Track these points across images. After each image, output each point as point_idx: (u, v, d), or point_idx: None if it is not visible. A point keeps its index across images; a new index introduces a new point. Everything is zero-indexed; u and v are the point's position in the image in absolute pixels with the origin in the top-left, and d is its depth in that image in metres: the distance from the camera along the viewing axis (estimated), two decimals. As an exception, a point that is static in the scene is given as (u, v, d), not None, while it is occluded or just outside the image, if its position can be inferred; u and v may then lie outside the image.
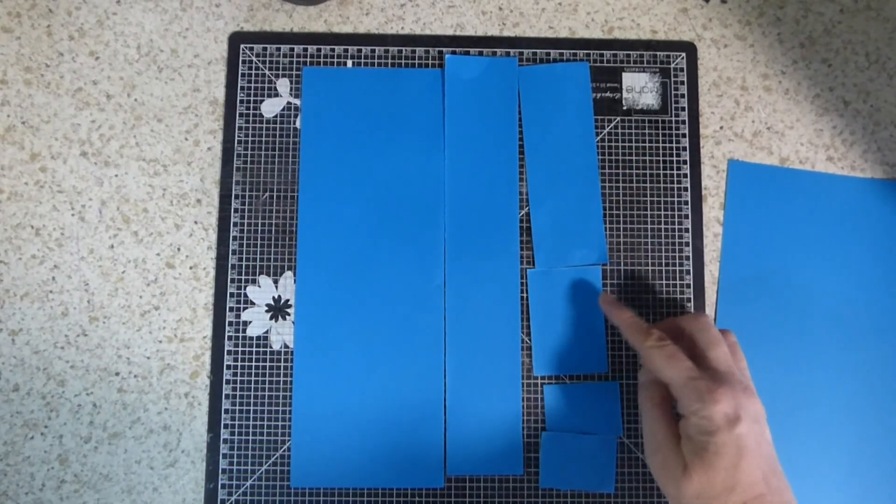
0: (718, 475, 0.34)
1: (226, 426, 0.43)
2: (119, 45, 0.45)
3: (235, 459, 0.42)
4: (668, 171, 0.45)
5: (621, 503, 0.43)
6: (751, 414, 0.35)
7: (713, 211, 0.45)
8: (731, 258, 0.45)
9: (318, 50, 0.46)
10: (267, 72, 0.45)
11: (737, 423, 0.34)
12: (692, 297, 0.44)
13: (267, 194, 0.44)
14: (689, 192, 0.45)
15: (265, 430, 0.43)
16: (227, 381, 0.43)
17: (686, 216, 0.45)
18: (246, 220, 0.44)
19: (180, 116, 0.45)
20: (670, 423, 0.38)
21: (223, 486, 0.42)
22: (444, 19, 0.46)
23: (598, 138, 0.45)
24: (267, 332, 0.44)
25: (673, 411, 0.38)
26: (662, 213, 0.45)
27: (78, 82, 0.45)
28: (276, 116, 0.45)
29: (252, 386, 0.43)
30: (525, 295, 0.44)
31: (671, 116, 0.46)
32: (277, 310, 0.44)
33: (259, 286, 0.44)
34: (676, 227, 0.45)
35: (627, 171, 0.45)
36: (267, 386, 0.43)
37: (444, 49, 0.46)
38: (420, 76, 0.45)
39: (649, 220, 0.45)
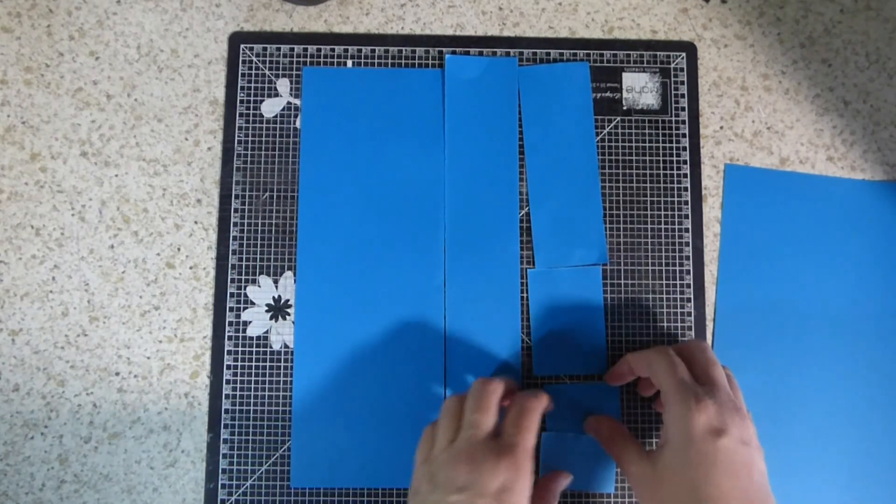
0: (686, 484, 0.33)
1: (226, 426, 0.43)
2: (119, 45, 0.45)
3: (235, 459, 0.42)
4: (668, 171, 0.45)
5: (621, 503, 0.43)
6: (739, 434, 0.34)
7: (713, 211, 0.45)
8: (729, 261, 0.45)
9: (318, 50, 0.45)
10: (267, 72, 0.45)
11: (719, 436, 0.34)
12: (692, 297, 0.44)
13: (267, 194, 0.44)
14: (689, 192, 0.45)
15: (265, 430, 0.43)
16: (227, 381, 0.43)
17: (686, 216, 0.45)
18: (246, 220, 0.44)
19: (180, 116, 0.45)
20: (636, 442, 0.39)
21: (223, 486, 0.42)
22: (444, 19, 0.46)
23: (598, 138, 0.45)
24: (267, 332, 0.43)
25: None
26: (662, 213, 0.45)
27: (78, 82, 0.45)
28: (276, 116, 0.45)
29: (252, 386, 0.43)
30: (525, 295, 0.44)
31: (671, 116, 0.46)
32: (277, 310, 0.44)
33: (259, 286, 0.44)
34: (676, 227, 0.45)
35: (627, 171, 0.45)
36: (267, 386, 0.43)
37: (444, 49, 0.46)
38: (420, 76, 0.45)
39: (649, 220, 0.45)
